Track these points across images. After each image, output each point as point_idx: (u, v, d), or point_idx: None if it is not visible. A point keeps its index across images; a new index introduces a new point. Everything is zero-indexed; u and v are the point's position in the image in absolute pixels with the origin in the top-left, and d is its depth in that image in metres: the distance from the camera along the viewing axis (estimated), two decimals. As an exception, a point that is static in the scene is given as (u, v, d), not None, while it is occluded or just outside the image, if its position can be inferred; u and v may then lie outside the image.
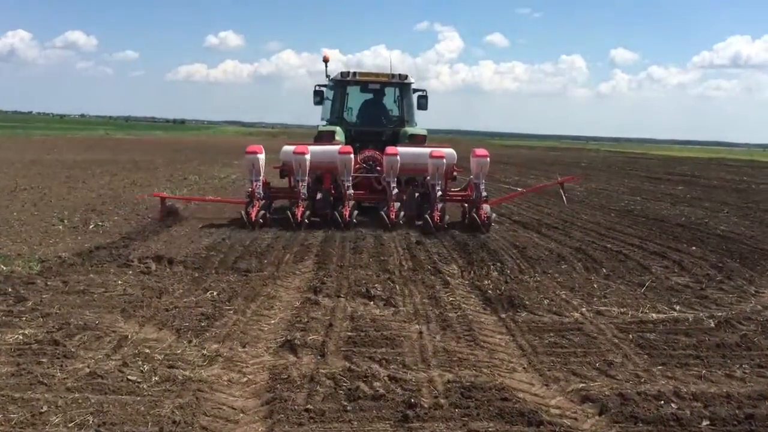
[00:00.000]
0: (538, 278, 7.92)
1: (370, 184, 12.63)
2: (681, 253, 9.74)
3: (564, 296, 7.04)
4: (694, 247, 10.28)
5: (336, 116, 14.18)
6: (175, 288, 6.96)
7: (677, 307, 6.70)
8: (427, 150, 12.17)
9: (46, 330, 5.33)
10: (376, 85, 14.62)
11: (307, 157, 11.70)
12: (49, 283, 6.95)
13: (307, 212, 11.53)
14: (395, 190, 11.73)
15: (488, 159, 12.13)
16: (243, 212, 11.33)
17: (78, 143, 46.12)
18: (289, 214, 11.38)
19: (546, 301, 6.74)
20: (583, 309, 6.51)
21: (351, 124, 14.37)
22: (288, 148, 12.13)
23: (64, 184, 17.39)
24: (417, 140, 13.26)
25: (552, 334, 5.67)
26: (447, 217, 11.63)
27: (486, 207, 11.67)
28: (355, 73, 14.18)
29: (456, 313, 6.31)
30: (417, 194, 12.43)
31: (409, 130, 13.80)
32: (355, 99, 15.07)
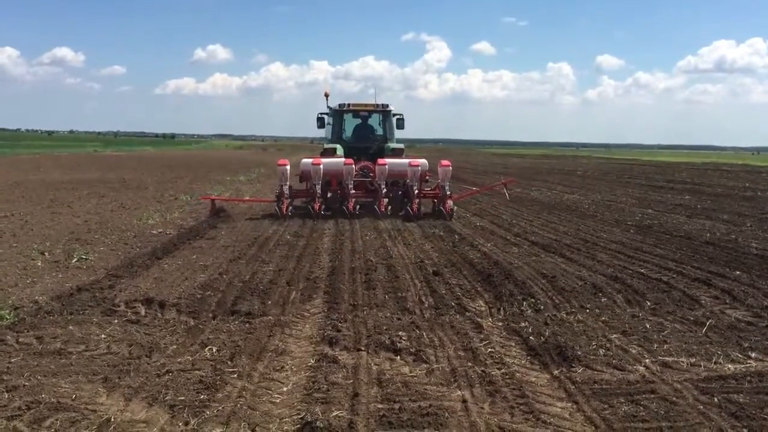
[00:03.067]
0: (580, 317, 6.99)
1: (365, 185, 16.56)
2: (726, 279, 8.83)
3: (618, 342, 6.10)
4: (737, 272, 9.37)
5: (336, 136, 18.64)
6: (167, 342, 5.99)
7: (752, 354, 5.77)
8: (407, 160, 16.34)
9: (10, 413, 4.35)
10: (365, 112, 19.21)
11: (321, 167, 15.65)
12: (20, 340, 5.97)
13: (323, 206, 15.65)
14: (384, 190, 15.78)
15: (450, 167, 16.12)
16: (276, 207, 15.61)
17: (65, 161, 45.01)
18: (310, 207, 15.65)
19: (601, 351, 5.79)
20: (647, 360, 5.58)
21: (347, 142, 18.51)
22: (306, 160, 16.30)
23: (47, 209, 16.34)
24: (397, 153, 17.56)
25: (622, 399, 4.72)
26: (422, 209, 15.66)
27: (450, 202, 15.60)
28: (349, 105, 18.82)
29: (500, 369, 5.37)
30: (400, 192, 16.36)
31: (391, 145, 18.14)
32: (350, 123, 19.44)
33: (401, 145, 18.20)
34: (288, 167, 15.94)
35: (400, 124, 18.81)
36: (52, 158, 49.78)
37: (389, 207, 15.61)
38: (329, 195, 16.23)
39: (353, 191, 15.78)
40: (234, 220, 15.13)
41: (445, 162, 16.13)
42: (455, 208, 15.82)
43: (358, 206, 15.68)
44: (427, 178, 16.77)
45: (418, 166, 15.80)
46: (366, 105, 19.02)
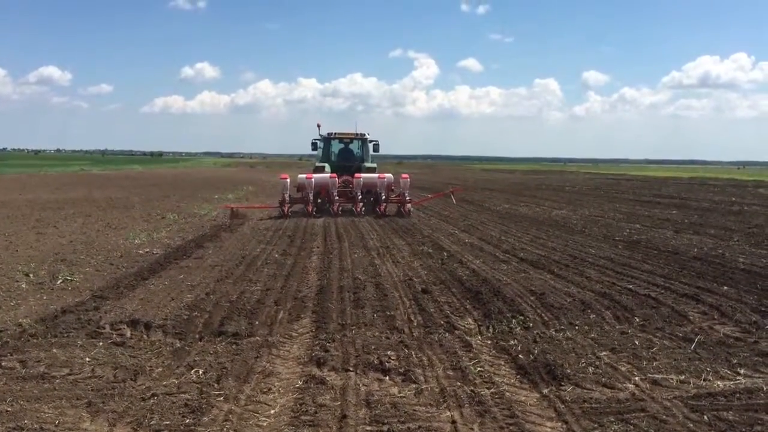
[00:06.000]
0: (569, 334, 6.97)
1: (346, 194, 21.45)
2: (714, 295, 8.85)
3: (607, 359, 6.09)
4: (725, 287, 9.40)
5: (325, 157, 24.02)
6: (153, 365, 5.90)
7: (741, 371, 5.78)
8: (376, 175, 21.70)
9: (-9, 440, 4.28)
10: (347, 139, 24.67)
11: (313, 180, 20.82)
12: (3, 364, 5.87)
13: (314, 209, 20.62)
14: (360, 197, 21.00)
15: (409, 180, 21.74)
16: (280, 209, 20.42)
17: (52, 181, 44.65)
18: (305, 209, 20.62)
19: (590, 369, 5.77)
20: (636, 378, 5.56)
21: (333, 162, 23.87)
22: (302, 175, 21.31)
23: (33, 230, 16.19)
24: (371, 170, 22.72)
25: (612, 419, 4.69)
26: (387, 210, 21.00)
27: (408, 206, 21.08)
28: (335, 133, 24.33)
29: (489, 389, 5.33)
30: (372, 198, 21.59)
31: (366, 164, 23.39)
32: (335, 147, 24.91)
33: (374, 164, 23.69)
34: (288, 180, 20.67)
35: (376, 147, 24.25)
36: (39, 177, 49.44)
37: (363, 209, 20.86)
38: (319, 201, 21.32)
39: (337, 198, 20.95)
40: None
41: (404, 175, 21.90)
42: (412, 209, 21.24)
43: (340, 209, 20.87)
44: (392, 188, 21.87)
45: (384, 179, 21.26)
46: (348, 134, 24.55)
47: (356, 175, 21.32)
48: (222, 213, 21.66)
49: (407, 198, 21.20)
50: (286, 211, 20.16)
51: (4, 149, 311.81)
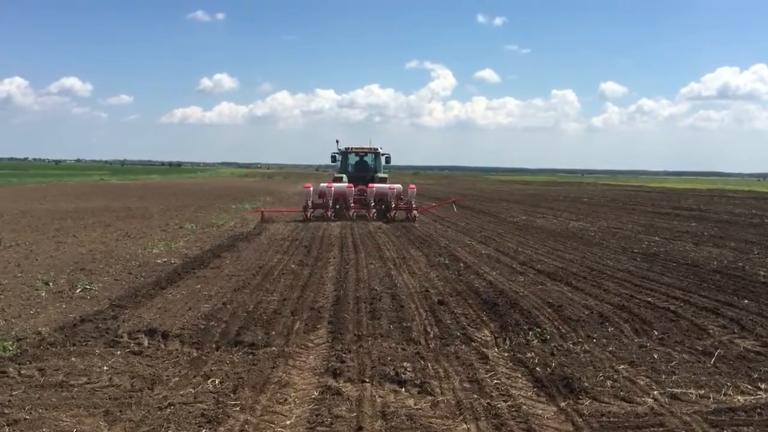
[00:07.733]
0: (587, 347, 6.92)
1: (361, 201, 24.53)
2: (734, 308, 8.74)
3: (625, 373, 6.03)
4: (745, 301, 9.29)
5: (343, 169, 27.40)
6: (169, 374, 5.93)
7: (762, 385, 5.69)
8: (388, 185, 24.92)
9: (10, 447, 4.32)
10: (362, 153, 28.09)
11: (333, 189, 24.00)
12: (22, 371, 5.93)
13: (333, 214, 23.56)
14: (373, 204, 24.06)
15: (415, 190, 25.40)
16: (303, 214, 23.37)
17: (72, 190, 45.18)
18: (324, 214, 23.49)
19: (608, 382, 5.72)
20: (655, 392, 5.50)
21: (350, 173, 27.04)
22: (323, 184, 24.67)
23: (53, 239, 16.35)
24: (383, 180, 25.91)
25: (631, 434, 4.65)
26: (396, 216, 23.89)
27: (414, 212, 24.00)
28: (352, 148, 27.85)
29: (506, 401, 5.29)
30: (383, 206, 24.33)
31: (379, 175, 26.56)
32: (352, 160, 28.17)
33: (386, 175, 27.01)
34: (311, 189, 24.07)
35: (388, 160, 27.70)
36: (59, 187, 50.01)
37: (375, 215, 23.81)
38: (337, 207, 24.13)
39: (353, 205, 24.15)
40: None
41: (411, 186, 25.81)
42: (418, 215, 24.09)
43: (355, 214, 23.72)
44: (401, 197, 24.80)
45: (394, 189, 24.48)
46: (363, 148, 28.04)
47: (370, 185, 24.58)
48: (240, 222, 21.86)
49: (414, 205, 24.45)
50: (309, 215, 23.24)
51: (26, 159, 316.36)
